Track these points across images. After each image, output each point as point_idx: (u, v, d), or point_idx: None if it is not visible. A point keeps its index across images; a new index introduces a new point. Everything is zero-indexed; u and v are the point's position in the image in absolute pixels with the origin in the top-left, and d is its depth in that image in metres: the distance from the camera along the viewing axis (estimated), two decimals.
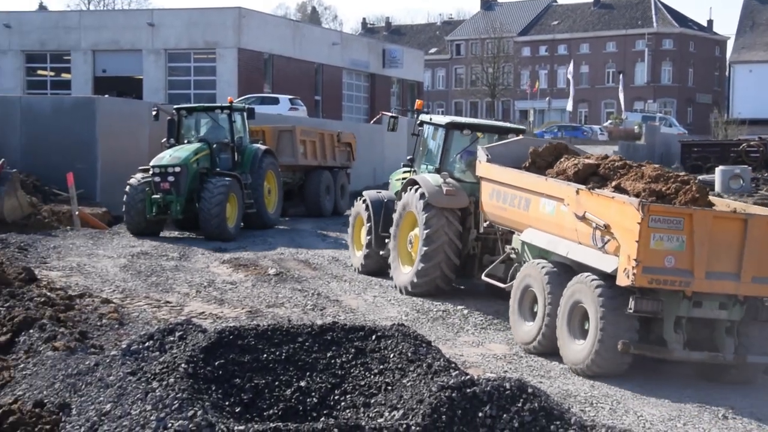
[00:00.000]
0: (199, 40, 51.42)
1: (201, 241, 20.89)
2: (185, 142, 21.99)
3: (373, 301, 15.15)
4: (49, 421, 7.59)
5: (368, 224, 17.24)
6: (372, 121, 27.06)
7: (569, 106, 76.17)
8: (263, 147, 23.30)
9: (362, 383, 7.93)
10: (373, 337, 8.47)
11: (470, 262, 15.75)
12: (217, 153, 21.88)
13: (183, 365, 7.74)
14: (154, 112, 23.35)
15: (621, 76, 78.17)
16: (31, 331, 10.54)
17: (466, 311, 14.71)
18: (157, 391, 7.39)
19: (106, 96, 34.39)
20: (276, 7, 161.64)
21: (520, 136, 16.25)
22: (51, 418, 7.65)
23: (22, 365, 9.43)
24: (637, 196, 11.80)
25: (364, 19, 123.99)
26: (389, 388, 7.76)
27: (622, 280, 11.14)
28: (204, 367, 7.80)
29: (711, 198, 12.39)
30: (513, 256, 14.25)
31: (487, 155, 14.59)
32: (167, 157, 20.71)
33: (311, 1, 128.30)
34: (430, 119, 17.32)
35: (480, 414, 7.00)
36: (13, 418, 7.59)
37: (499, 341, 13.08)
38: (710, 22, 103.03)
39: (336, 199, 28.18)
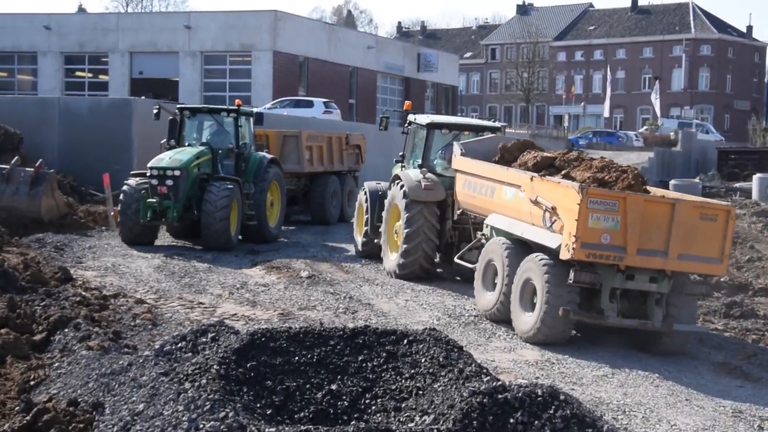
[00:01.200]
0: (235, 43, 51.71)
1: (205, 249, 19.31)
2: (186, 144, 20.39)
3: (405, 305, 15.13)
4: (82, 420, 7.66)
5: (366, 214, 19.19)
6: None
7: (605, 112, 75.73)
8: (269, 156, 21.40)
9: (393, 387, 7.92)
10: (405, 341, 8.47)
11: (449, 249, 17.47)
12: (220, 159, 20.14)
13: (215, 366, 7.78)
14: (155, 111, 21.59)
15: (657, 81, 77.54)
16: (66, 330, 10.64)
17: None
18: (189, 391, 7.44)
19: (143, 98, 34.68)
20: (312, 10, 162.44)
21: (497, 134, 17.94)
22: (85, 417, 7.72)
23: (56, 364, 9.52)
24: (583, 182, 13.28)
25: (399, 22, 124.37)
26: (420, 392, 7.75)
27: (564, 254, 12.74)
28: (236, 369, 7.84)
29: (648, 187, 14.28)
30: (483, 241, 15.63)
31: (461, 150, 16.35)
32: (167, 159, 19.21)
33: (347, 4, 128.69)
34: (415, 119, 18.68)
35: (511, 420, 6.96)
36: (48, 416, 7.67)
37: (530, 347, 13.01)
38: (749, 28, 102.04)
39: (342, 205, 25.99)
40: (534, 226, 13.68)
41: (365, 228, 19.21)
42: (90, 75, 55.53)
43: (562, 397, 7.21)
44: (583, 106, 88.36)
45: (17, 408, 8.10)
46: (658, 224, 12.85)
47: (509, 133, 25.15)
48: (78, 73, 55.76)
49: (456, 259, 16.76)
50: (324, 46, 54.87)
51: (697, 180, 45.59)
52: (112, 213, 21.81)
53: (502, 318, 14.06)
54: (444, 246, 17.41)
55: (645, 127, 75.72)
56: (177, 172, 18.93)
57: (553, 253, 13.02)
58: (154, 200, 18.91)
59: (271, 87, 50.43)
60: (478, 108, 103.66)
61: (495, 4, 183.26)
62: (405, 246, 16.86)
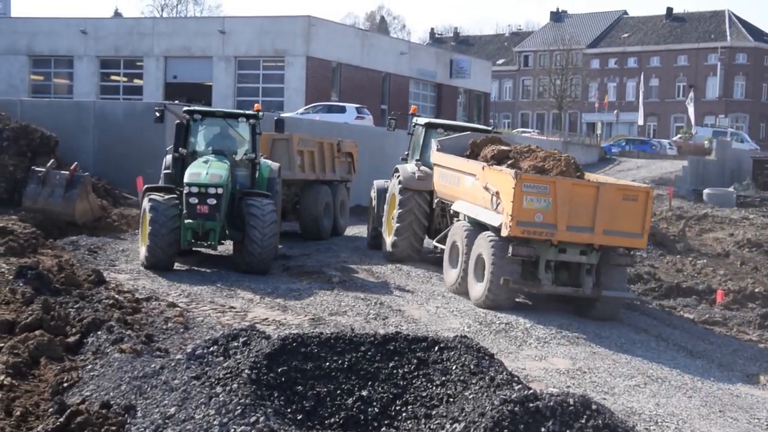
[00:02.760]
0: (268, 48, 51.93)
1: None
2: (193, 152, 17.97)
3: (436, 311, 15.10)
4: (114, 423, 7.71)
5: (374, 209, 20.93)
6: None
7: (640, 120, 75.17)
8: (275, 164, 19.27)
9: (424, 394, 7.91)
10: (436, 348, 8.45)
11: (437, 234, 19.05)
12: (234, 170, 17.88)
13: (246, 371, 7.80)
14: (157, 114, 18.95)
15: (692, 90, 76.89)
16: (99, 332, 10.72)
17: (528, 324, 14.58)
18: (220, 396, 7.47)
19: (176, 102, 34.89)
20: (345, 16, 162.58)
21: (490, 134, 19.63)
22: (117, 419, 7.76)
23: (89, 366, 9.59)
24: (526, 171, 15.60)
25: (432, 29, 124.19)
26: (451, 400, 7.73)
27: (504, 232, 15.05)
28: (267, 374, 7.85)
29: (586, 174, 16.90)
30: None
31: (438, 146, 18.56)
32: (203, 174, 16.79)
33: (380, 10, 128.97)
34: (417, 121, 20.95)
35: (542, 429, 6.92)
36: (81, 418, 7.73)
37: (562, 356, 12.94)
38: None
39: (335, 217, 23.77)
40: (485, 208, 15.91)
41: (373, 221, 21.03)
42: (125, 79, 56.00)
43: (594, 407, 7.16)
44: (616, 113, 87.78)
45: (51, 410, 8.17)
46: (585, 204, 15.06)
47: (540, 140, 25.36)
48: (113, 77, 56.24)
49: (434, 242, 18.95)
50: (357, 51, 54.96)
51: (731, 189, 45.16)
52: None
53: (462, 291, 16.18)
54: (434, 231, 19.31)
55: (679, 136, 75.05)
56: (219, 190, 16.70)
57: (497, 231, 15.25)
58: (194, 221, 16.62)
59: (304, 92, 50.58)
60: (510, 115, 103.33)
61: (528, 11, 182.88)
62: (397, 225, 18.96)
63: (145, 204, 16.78)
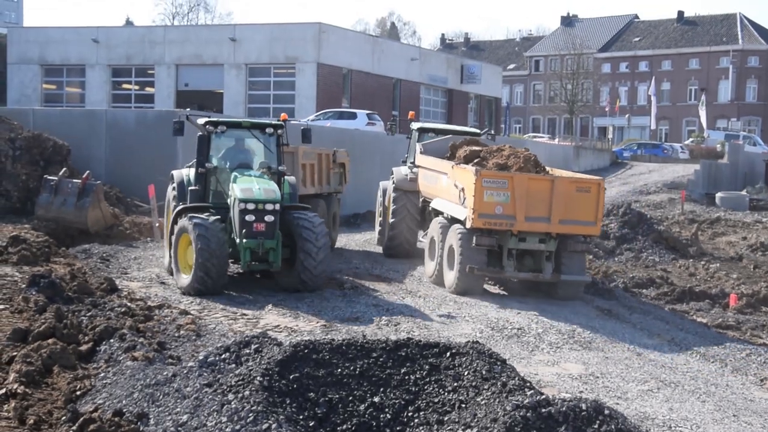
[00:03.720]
0: (279, 55, 52.06)
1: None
2: (215, 167, 16.58)
3: (448, 317, 15.08)
4: (127, 430, 7.73)
5: (380, 209, 22.22)
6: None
7: (652, 124, 75.03)
8: (291, 177, 18.30)
9: (436, 400, 7.90)
10: (448, 354, 8.44)
11: None
12: None
13: (258, 378, 7.81)
14: (176, 126, 17.16)
15: (704, 93, 76.71)
16: (112, 340, 10.75)
17: (540, 330, 14.56)
18: (232, 403, 7.47)
19: (188, 110, 34.99)
20: (355, 22, 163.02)
21: (482, 137, 21.28)
22: (129, 427, 7.78)
23: (102, 374, 9.61)
24: (488, 168, 17.14)
25: (442, 34, 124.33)
26: (463, 405, 7.71)
27: (468, 224, 16.64)
28: (279, 381, 7.86)
29: (548, 168, 18.34)
30: None
31: (422, 149, 20.05)
32: (257, 189, 15.59)
33: (390, 16, 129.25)
34: (411, 126, 22.38)
35: None
36: (94, 426, 7.75)
37: (574, 361, 12.91)
38: None
39: (329, 230, 21.19)
40: (455, 204, 17.48)
41: (379, 219, 22.24)
42: (137, 87, 56.22)
43: (606, 412, 7.14)
44: (628, 117, 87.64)
45: (64, 418, 8.19)
46: (542, 197, 16.59)
47: (551, 145, 25.50)
48: (125, 86, 56.49)
49: (420, 238, 20.52)
50: (367, 58, 55.04)
51: (744, 192, 45.02)
52: (157, 224, 22.00)
53: (438, 281, 17.57)
54: (426, 228, 20.07)
55: (691, 139, 74.93)
56: (277, 206, 15.63)
57: (464, 223, 16.82)
58: (253, 240, 15.41)
59: (315, 99, 50.68)
60: (521, 120, 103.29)
61: (539, 15, 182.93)
62: (392, 221, 20.55)
63: (187, 226, 15.28)
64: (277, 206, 15.58)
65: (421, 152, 19.98)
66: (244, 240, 15.34)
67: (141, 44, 54.96)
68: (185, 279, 15.39)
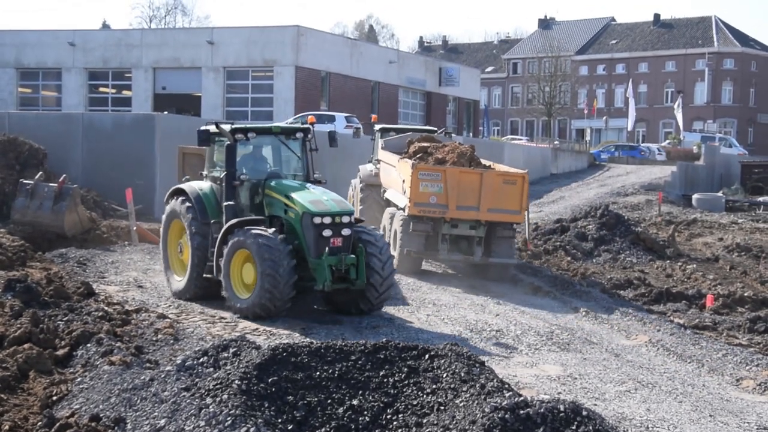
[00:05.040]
0: (257, 58, 51.94)
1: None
2: (240, 177, 15.05)
3: (427, 319, 15.10)
4: None
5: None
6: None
7: (629, 126, 75.38)
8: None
9: (415, 403, 7.90)
10: (426, 356, 8.45)
11: None
12: None
13: (236, 382, 7.78)
14: (203, 135, 15.37)
15: (680, 95, 77.19)
16: (89, 345, 10.69)
17: (519, 332, 14.60)
18: (210, 407, 7.45)
19: (165, 113, 34.87)
20: (334, 25, 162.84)
21: (437, 135, 22.68)
22: None
23: (79, 379, 9.56)
24: (427, 161, 19.21)
25: (421, 37, 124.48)
26: (442, 408, 7.72)
27: (406, 211, 18.79)
28: (257, 384, 7.84)
29: (489, 163, 20.62)
30: None
31: (383, 144, 21.71)
32: (324, 200, 14.44)
33: (369, 19, 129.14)
34: (375, 127, 23.69)
35: None
36: (70, 431, 7.70)
37: (552, 362, 12.95)
38: None
39: None
40: (400, 193, 19.29)
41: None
42: (113, 91, 55.92)
43: (584, 413, 7.16)
44: (605, 120, 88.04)
45: (40, 423, 8.14)
46: (472, 188, 18.72)
47: (529, 147, 25.69)
48: (102, 89, 56.17)
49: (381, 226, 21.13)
50: (346, 60, 55.03)
51: (720, 194, 45.33)
52: (134, 228, 21.90)
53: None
54: None
55: (668, 141, 75.33)
56: (352, 218, 14.65)
57: (404, 211, 18.82)
58: (334, 257, 14.08)
59: (293, 102, 50.59)
60: (499, 122, 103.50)
61: (516, 18, 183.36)
62: (360, 213, 21.10)
63: (246, 242, 13.95)
64: (353, 219, 14.61)
65: (382, 148, 21.67)
66: (322, 257, 13.96)
67: (118, 47, 54.68)
68: (242, 300, 14.07)
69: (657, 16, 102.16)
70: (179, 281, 15.61)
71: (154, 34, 59.59)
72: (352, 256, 14.26)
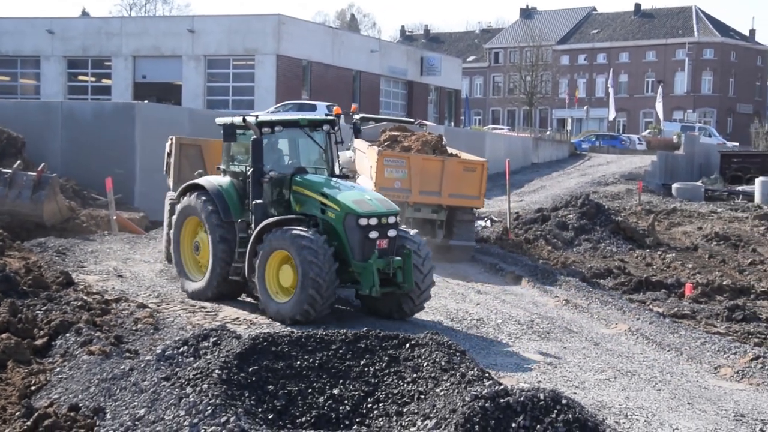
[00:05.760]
0: (238, 47, 51.73)
1: None
2: (270, 173, 14.15)
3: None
4: (83, 425, 7.65)
5: None
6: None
7: (610, 115, 75.63)
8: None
9: (395, 392, 7.91)
10: (407, 345, 8.46)
11: None
12: None
13: (217, 371, 7.77)
14: (229, 130, 14.34)
15: (660, 85, 77.50)
16: (68, 334, 10.64)
17: (499, 321, 14.64)
18: (190, 396, 7.43)
19: (146, 102, 34.70)
20: (315, 14, 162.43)
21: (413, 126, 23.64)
22: (86, 422, 7.71)
23: (58, 369, 9.51)
24: (392, 149, 20.42)
25: (402, 26, 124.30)
26: (422, 397, 7.74)
27: None
28: (238, 374, 7.83)
29: (456, 151, 21.60)
30: None
31: (360, 133, 22.19)
32: (367, 199, 13.81)
33: (350, 8, 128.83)
34: (354, 116, 23.29)
35: (513, 424, 6.94)
36: (49, 421, 7.66)
37: (533, 351, 13.00)
38: (752, 31, 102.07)
39: None
40: (369, 179, 19.80)
41: None
42: (93, 79, 55.57)
43: (564, 401, 7.19)
44: (586, 109, 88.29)
45: (18, 413, 8.10)
46: (434, 174, 19.92)
47: (510, 137, 25.83)
48: (81, 78, 55.80)
49: None
50: (327, 50, 54.89)
51: (699, 183, 45.57)
52: (114, 217, 21.81)
53: None
54: None
55: (648, 131, 75.64)
56: (398, 218, 13.98)
57: None
58: (382, 260, 13.36)
59: (275, 91, 50.44)
60: (481, 111, 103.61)
61: (498, 7, 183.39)
62: None
63: (285, 243, 13.14)
64: (398, 219, 13.92)
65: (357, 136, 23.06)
66: (370, 261, 13.20)
67: (97, 36, 54.30)
68: (279, 304, 13.27)
69: (638, 6, 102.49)
70: (196, 282, 14.73)
71: (134, 23, 59.22)
72: (399, 258, 13.45)
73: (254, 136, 14.14)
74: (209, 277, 14.44)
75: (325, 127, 14.88)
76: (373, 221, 13.39)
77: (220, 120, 15.05)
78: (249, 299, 14.63)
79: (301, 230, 13.20)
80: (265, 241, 13.40)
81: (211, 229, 14.32)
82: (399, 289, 13.52)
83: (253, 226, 13.95)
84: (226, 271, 14.24)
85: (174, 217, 15.23)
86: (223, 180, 14.78)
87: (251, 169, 14.11)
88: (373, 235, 13.35)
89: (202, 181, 14.90)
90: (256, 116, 14.82)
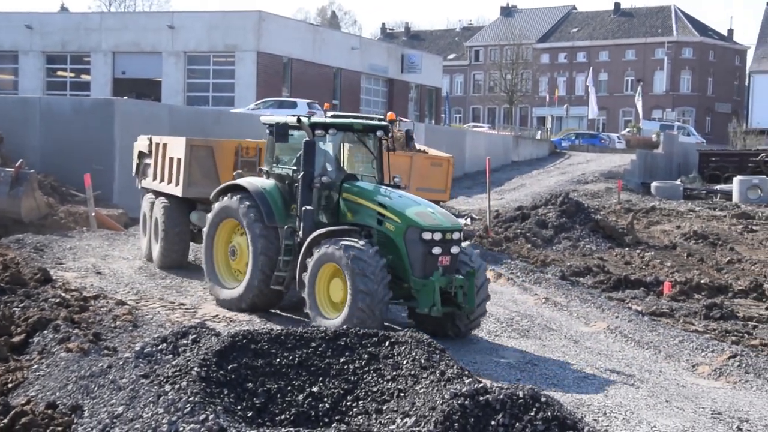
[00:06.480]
0: (218, 43, 51.59)
1: None
2: (321, 176, 13.47)
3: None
4: (61, 423, 7.60)
5: None
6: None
7: (591, 114, 75.94)
8: None
9: (375, 389, 7.91)
10: (387, 343, 8.45)
11: None
12: None
13: (196, 369, 7.74)
14: (280, 130, 13.60)
15: (640, 84, 77.88)
16: (46, 332, 10.57)
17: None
18: (169, 394, 7.39)
19: (125, 98, 34.55)
20: (296, 11, 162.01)
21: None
22: (63, 419, 7.66)
23: (35, 366, 9.44)
24: None
25: (383, 24, 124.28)
26: (402, 394, 7.74)
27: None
28: (217, 371, 7.80)
29: (423, 147, 23.06)
30: None
31: None
32: (430, 212, 12.92)
33: (331, 5, 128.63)
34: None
35: (493, 422, 6.94)
36: (26, 419, 7.61)
37: (512, 349, 13.03)
38: (730, 31, 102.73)
39: None
40: None
41: None
42: (72, 75, 55.26)
43: (543, 399, 7.21)
44: (566, 108, 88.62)
45: None
46: (403, 169, 19.63)
47: (490, 135, 26.03)
48: (60, 73, 55.48)
49: None
50: (308, 47, 54.81)
51: (678, 182, 45.84)
52: (93, 214, 21.70)
53: None
54: None
55: (627, 130, 76.05)
56: (461, 234, 13.15)
57: None
58: (445, 278, 12.52)
59: (255, 88, 50.34)
60: (461, 109, 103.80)
61: (479, 5, 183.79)
62: None
63: (335, 254, 12.30)
64: (461, 234, 13.12)
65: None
66: (432, 278, 12.39)
67: (77, 31, 54.01)
68: (330, 321, 12.28)
69: (617, 5, 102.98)
70: (230, 289, 13.97)
71: (113, 18, 58.98)
72: (460, 276, 12.65)
73: (306, 138, 13.37)
74: (247, 286, 13.60)
75: (378, 133, 14.09)
76: (437, 236, 12.53)
77: (269, 119, 14.39)
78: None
79: (351, 241, 12.37)
80: (315, 254, 12.59)
81: (253, 235, 13.51)
82: (458, 309, 12.76)
83: (300, 233, 13.15)
84: (268, 279, 13.44)
85: (208, 218, 14.42)
86: (267, 182, 13.99)
87: (301, 173, 13.26)
88: (436, 250, 12.50)
89: (244, 182, 14.07)
90: (309, 117, 14.09)
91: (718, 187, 44.95)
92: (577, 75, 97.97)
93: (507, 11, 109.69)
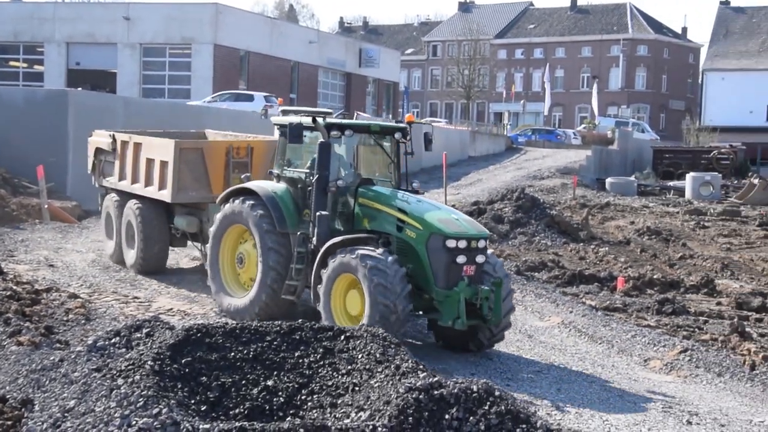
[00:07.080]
0: (175, 35, 51.13)
1: None
2: (338, 182, 12.84)
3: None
4: (11, 417, 7.51)
5: None
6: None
7: (545, 110, 76.44)
8: None
9: (329, 383, 7.91)
10: (342, 337, 8.46)
11: None
12: None
13: (149, 362, 7.68)
14: (295, 131, 12.77)
15: (595, 81, 78.56)
16: None
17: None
18: (122, 388, 7.33)
19: (79, 89, 34.12)
20: (254, 4, 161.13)
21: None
22: (13, 414, 7.56)
23: None
24: None
25: (341, 18, 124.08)
26: (356, 388, 7.75)
27: None
28: (170, 365, 7.75)
29: None
30: None
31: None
32: (455, 219, 12.29)
33: None
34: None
35: (447, 416, 6.98)
36: None
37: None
38: (684, 29, 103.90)
39: None
40: None
41: None
42: (25, 65, 54.45)
43: (497, 393, 7.26)
44: (523, 103, 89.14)
45: None
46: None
47: (448, 130, 25.79)
48: (12, 63, 54.62)
49: None
50: (265, 40, 54.54)
51: (632, 178, 46.33)
52: (46, 206, 21.42)
53: None
54: None
55: (583, 126, 76.61)
56: (488, 243, 12.55)
57: None
58: (471, 288, 11.84)
59: (212, 81, 49.98)
60: (419, 104, 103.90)
61: (437, 1, 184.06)
62: None
63: (351, 263, 11.65)
64: (488, 242, 12.49)
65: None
66: (456, 288, 11.69)
67: (30, 21, 53.21)
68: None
69: (574, 1, 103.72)
70: (237, 298, 13.32)
71: (67, 8, 58.11)
72: (486, 288, 11.90)
73: (321, 140, 12.73)
74: (256, 295, 12.93)
75: (397, 135, 13.42)
76: (462, 244, 11.79)
77: (281, 119, 13.87)
78: None
79: (368, 249, 11.68)
80: (330, 264, 11.90)
81: (263, 241, 12.86)
82: (483, 322, 12.04)
83: (314, 240, 12.48)
84: (279, 289, 12.80)
85: (213, 225, 13.73)
86: (277, 186, 13.34)
87: (315, 176, 12.61)
88: (461, 260, 11.80)
89: (254, 185, 13.38)
90: (323, 117, 13.35)
91: (671, 183, 45.52)
92: (534, 71, 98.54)
93: (465, 7, 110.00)
